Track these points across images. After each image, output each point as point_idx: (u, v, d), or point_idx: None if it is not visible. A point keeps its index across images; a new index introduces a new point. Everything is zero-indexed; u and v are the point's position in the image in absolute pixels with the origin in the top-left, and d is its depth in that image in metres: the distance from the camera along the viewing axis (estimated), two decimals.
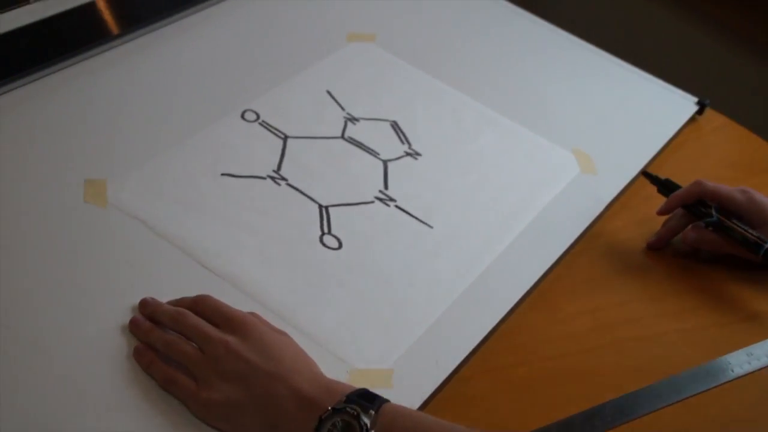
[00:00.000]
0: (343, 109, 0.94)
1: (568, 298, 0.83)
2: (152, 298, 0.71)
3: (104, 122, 0.87)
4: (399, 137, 0.92)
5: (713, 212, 0.83)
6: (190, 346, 0.67)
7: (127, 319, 0.69)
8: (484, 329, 0.77)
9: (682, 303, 0.83)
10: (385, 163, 0.89)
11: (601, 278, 0.85)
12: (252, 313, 0.70)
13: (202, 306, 0.69)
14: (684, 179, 0.87)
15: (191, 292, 0.72)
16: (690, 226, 0.86)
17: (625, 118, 1.02)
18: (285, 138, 0.89)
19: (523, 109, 0.99)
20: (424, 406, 0.71)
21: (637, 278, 0.86)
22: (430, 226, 0.84)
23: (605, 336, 0.80)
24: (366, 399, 0.63)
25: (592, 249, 0.87)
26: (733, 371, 0.77)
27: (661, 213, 0.88)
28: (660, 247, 0.88)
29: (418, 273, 0.80)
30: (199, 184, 0.83)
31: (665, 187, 0.88)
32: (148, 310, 0.70)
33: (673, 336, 0.80)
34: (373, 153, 0.90)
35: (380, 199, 0.86)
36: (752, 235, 0.82)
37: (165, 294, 0.72)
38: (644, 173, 0.90)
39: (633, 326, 0.81)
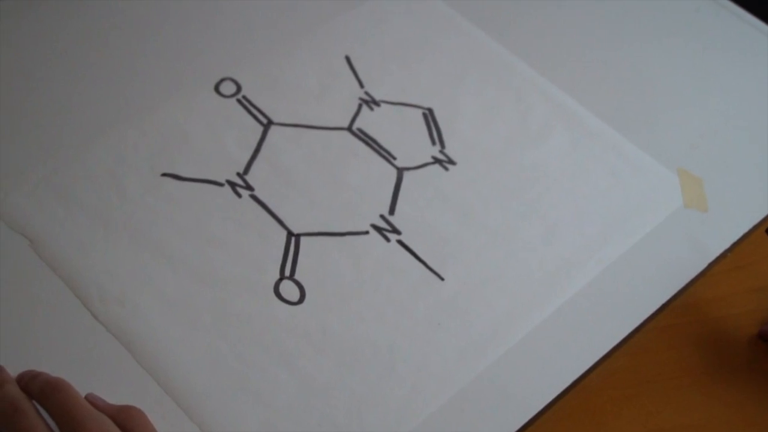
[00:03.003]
0: (362, 85, 0.69)
1: (622, 404, 0.57)
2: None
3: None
4: (430, 133, 0.67)
5: None
6: None
7: None
8: None
9: None
10: (400, 172, 0.64)
11: (687, 376, 0.58)
12: (130, 411, 0.48)
13: (45, 400, 0.47)
14: None
15: (66, 350, 0.52)
16: None
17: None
18: (267, 124, 0.65)
19: (617, 103, 0.70)
20: None
21: (740, 385, 0.58)
22: (441, 278, 0.59)
23: None
24: None
25: (678, 327, 0.60)
26: None
27: None
28: None
29: (405, 352, 0.55)
30: (124, 186, 0.60)
31: None
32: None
33: None
34: (386, 156, 0.65)
35: (379, 229, 0.61)
36: None
37: (26, 351, 0.52)
38: None
39: None
